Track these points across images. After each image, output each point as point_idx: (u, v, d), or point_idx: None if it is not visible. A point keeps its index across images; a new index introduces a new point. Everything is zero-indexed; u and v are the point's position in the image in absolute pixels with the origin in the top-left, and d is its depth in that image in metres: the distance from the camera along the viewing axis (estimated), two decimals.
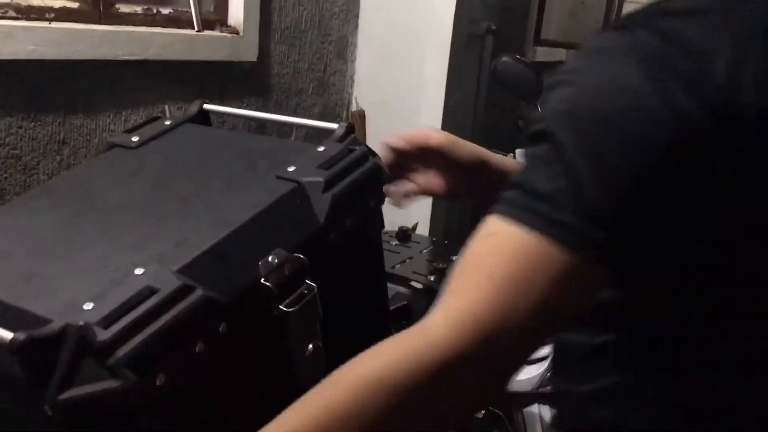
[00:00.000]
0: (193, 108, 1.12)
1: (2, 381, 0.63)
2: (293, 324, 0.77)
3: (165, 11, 2.02)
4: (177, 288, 0.65)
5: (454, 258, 1.54)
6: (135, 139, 1.02)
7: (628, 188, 0.61)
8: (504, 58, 2.00)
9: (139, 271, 0.68)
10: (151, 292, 0.65)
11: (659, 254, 0.64)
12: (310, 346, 0.80)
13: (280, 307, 0.76)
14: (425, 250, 1.60)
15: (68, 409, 0.61)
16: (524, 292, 0.61)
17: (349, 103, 2.75)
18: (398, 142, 1.05)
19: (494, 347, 0.61)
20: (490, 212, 0.66)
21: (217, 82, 2.17)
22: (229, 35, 2.17)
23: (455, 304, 0.63)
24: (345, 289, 0.81)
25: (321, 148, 0.92)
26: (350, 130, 0.96)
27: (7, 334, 0.60)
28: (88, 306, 0.64)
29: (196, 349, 0.67)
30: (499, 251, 0.63)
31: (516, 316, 0.61)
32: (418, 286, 1.41)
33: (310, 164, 0.87)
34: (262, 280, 0.74)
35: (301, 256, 0.78)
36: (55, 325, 0.62)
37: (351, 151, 0.91)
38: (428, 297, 1.40)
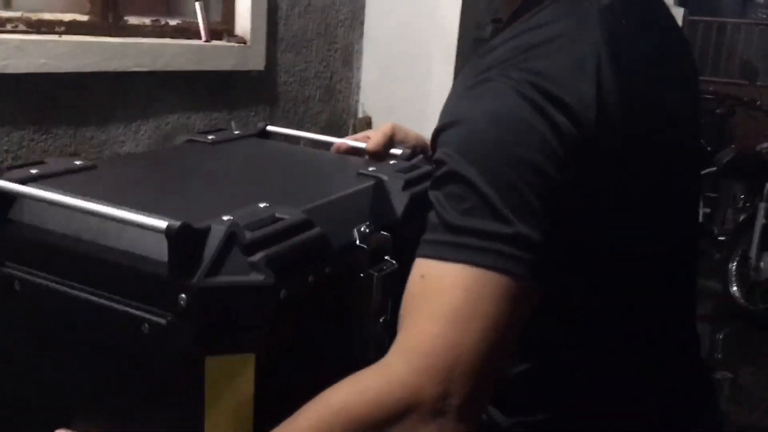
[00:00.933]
0: (259, 126, 1.22)
1: (141, 272, 0.68)
2: (376, 290, 0.81)
3: (173, 22, 2.03)
4: (301, 219, 0.73)
5: None
6: (211, 137, 1.10)
7: (536, 205, 0.66)
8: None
9: (263, 204, 0.74)
10: (278, 219, 0.72)
11: (569, 252, 0.70)
12: (381, 319, 0.84)
13: (370, 271, 0.81)
14: None
15: (209, 296, 0.65)
16: (471, 320, 0.64)
17: (356, 110, 2.76)
18: (377, 143, 1.11)
19: (451, 379, 0.63)
20: (417, 255, 0.69)
21: (226, 92, 2.18)
22: (236, 45, 2.18)
23: (410, 342, 0.65)
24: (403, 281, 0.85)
25: (392, 162, 1.01)
26: (415, 153, 1.07)
27: (162, 222, 0.65)
28: (227, 217, 0.69)
29: (309, 279, 0.72)
30: (436, 290, 0.65)
31: (468, 344, 0.63)
32: None
33: (388, 168, 0.95)
34: (358, 242, 0.81)
35: (387, 234, 0.85)
36: (205, 223, 0.67)
37: (419, 167, 0.98)
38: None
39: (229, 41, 2.18)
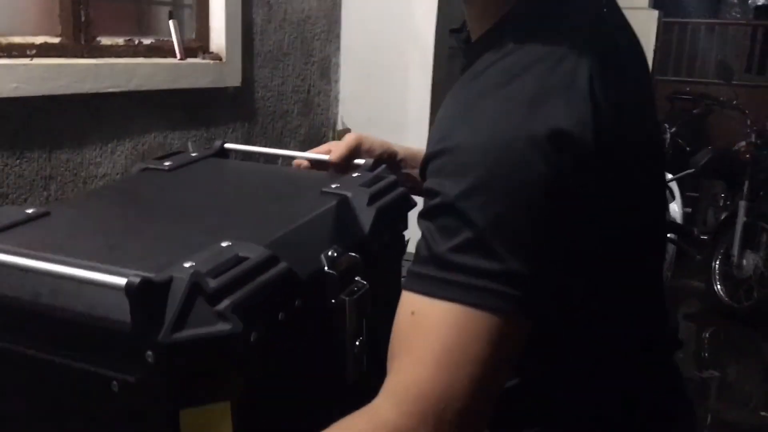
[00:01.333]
0: (216, 145, 1.18)
1: (104, 331, 0.66)
2: (349, 313, 0.81)
3: (147, 41, 2.02)
4: (266, 257, 0.71)
5: None
6: (167, 164, 1.05)
7: (529, 237, 0.64)
8: None
9: (225, 243, 0.72)
10: (241, 259, 0.70)
11: (560, 285, 0.69)
12: (358, 342, 0.83)
13: (341, 296, 0.80)
14: None
15: (177, 351, 0.63)
16: (462, 362, 0.63)
17: (335, 122, 2.76)
18: (340, 155, 1.08)
19: (443, 423, 0.62)
20: (405, 288, 0.67)
21: (203, 109, 2.17)
22: (212, 62, 2.17)
23: (400, 385, 0.64)
24: (376, 298, 0.84)
25: (355, 174, 0.98)
26: (378, 163, 1.04)
27: (121, 280, 0.63)
28: (188, 264, 0.67)
29: (279, 317, 0.71)
30: (426, 328, 0.64)
31: (459, 386, 0.63)
32: None
33: (351, 183, 0.93)
34: (326, 269, 0.79)
35: (355, 255, 0.83)
36: (166, 274, 0.65)
37: (383, 178, 0.97)
38: None
39: (204, 58, 2.17)
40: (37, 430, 0.74)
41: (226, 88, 2.22)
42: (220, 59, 2.19)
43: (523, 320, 0.65)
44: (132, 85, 1.88)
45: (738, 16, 10.54)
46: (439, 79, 2.59)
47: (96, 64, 1.80)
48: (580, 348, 0.79)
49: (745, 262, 4.29)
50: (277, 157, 1.23)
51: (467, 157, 0.66)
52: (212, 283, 0.65)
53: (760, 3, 10.88)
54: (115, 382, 0.66)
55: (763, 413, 3.24)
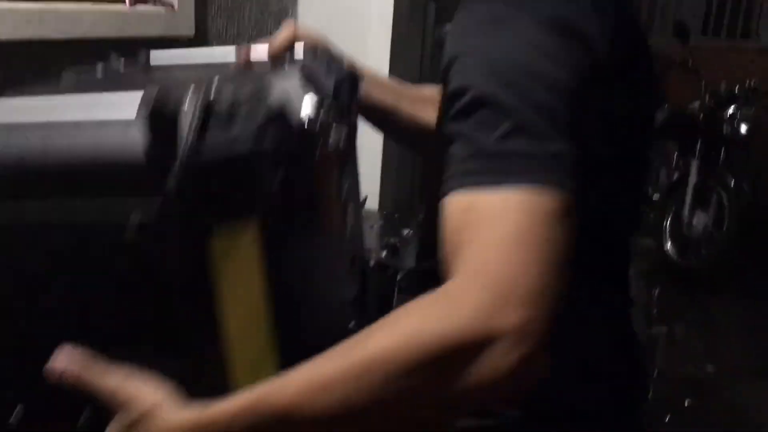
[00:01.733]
0: (141, 57, 1.13)
1: (112, 171, 0.62)
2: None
3: None
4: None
5: (405, 232, 1.53)
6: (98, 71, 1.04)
7: (571, 122, 0.66)
8: (447, 27, 1.98)
9: (222, 77, 0.70)
10: (248, 84, 0.70)
11: (593, 167, 0.70)
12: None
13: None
14: (375, 225, 1.59)
15: (197, 176, 0.61)
16: (534, 242, 0.61)
17: None
18: (278, 47, 0.97)
19: (531, 307, 0.59)
20: (450, 190, 0.66)
21: None
22: (163, 9, 2.09)
23: (479, 270, 0.60)
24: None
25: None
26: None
27: (128, 111, 0.62)
28: (195, 89, 0.65)
29: (292, 135, 0.71)
30: (489, 218, 0.62)
31: (540, 269, 0.60)
32: (370, 263, 1.40)
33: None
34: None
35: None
36: (177, 96, 0.64)
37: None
38: (381, 273, 1.39)
39: (155, 6, 2.09)
40: (57, 303, 0.69)
41: (178, 38, 2.14)
42: (172, 7, 2.11)
43: (576, 199, 0.65)
44: (78, 32, 1.80)
45: None
46: (398, 35, 2.55)
47: (40, 9, 1.71)
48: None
49: (695, 221, 4.40)
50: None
51: (497, 52, 0.68)
52: (224, 102, 0.64)
53: None
54: (134, 221, 0.62)
55: (708, 368, 3.36)
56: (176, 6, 2.12)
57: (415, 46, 2.78)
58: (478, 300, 0.58)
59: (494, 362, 0.58)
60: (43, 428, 0.72)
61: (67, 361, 0.67)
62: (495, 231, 0.61)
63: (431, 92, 1.12)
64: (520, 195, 0.62)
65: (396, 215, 1.78)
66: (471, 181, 0.64)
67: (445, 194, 0.66)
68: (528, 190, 0.62)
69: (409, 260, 1.46)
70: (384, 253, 1.41)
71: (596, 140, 0.71)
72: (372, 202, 2.64)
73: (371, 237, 1.51)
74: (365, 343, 0.61)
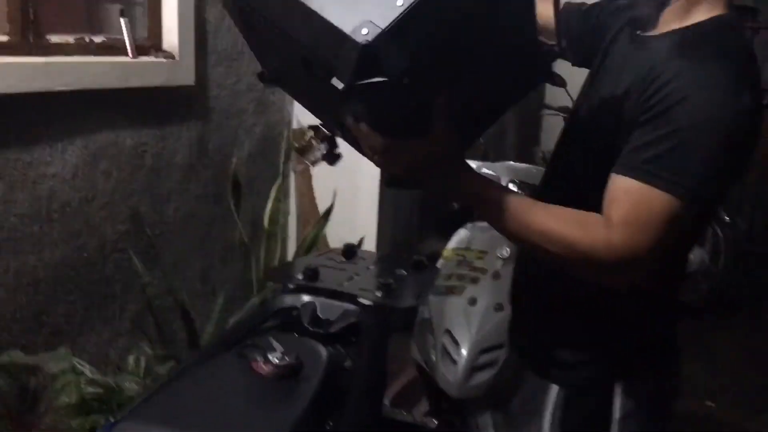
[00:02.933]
0: None
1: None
2: None
3: (98, 39, 2.00)
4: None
5: (399, 272, 1.57)
6: None
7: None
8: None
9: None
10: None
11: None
12: None
13: None
14: (372, 266, 1.62)
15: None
16: (663, 233, 1.02)
17: (290, 121, 2.76)
18: None
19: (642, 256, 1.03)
20: (629, 172, 1.04)
21: (156, 108, 2.16)
22: (165, 60, 2.16)
23: (631, 228, 1.02)
24: None
25: None
26: None
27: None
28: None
29: None
30: (647, 205, 1.02)
31: (655, 243, 1.02)
32: (367, 302, 1.43)
33: None
34: None
35: None
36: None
37: None
38: (377, 313, 1.42)
39: (157, 57, 2.16)
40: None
41: (179, 87, 2.21)
42: (173, 57, 2.19)
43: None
44: (83, 84, 1.87)
45: None
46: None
47: (46, 63, 1.78)
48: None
49: (692, 256, 4.42)
50: None
51: (704, 107, 1.02)
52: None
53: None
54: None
55: (708, 403, 3.35)
56: (177, 56, 2.19)
57: None
58: (620, 242, 1.02)
59: (613, 261, 1.03)
60: None
61: None
62: (649, 213, 1.02)
63: None
64: (668, 199, 1.01)
65: (391, 256, 1.82)
66: (649, 176, 1.02)
67: (621, 171, 1.04)
68: (673, 198, 1.01)
69: (404, 300, 1.49)
70: (379, 293, 1.44)
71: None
72: (369, 243, 2.68)
73: (367, 277, 1.55)
74: (563, 221, 1.06)
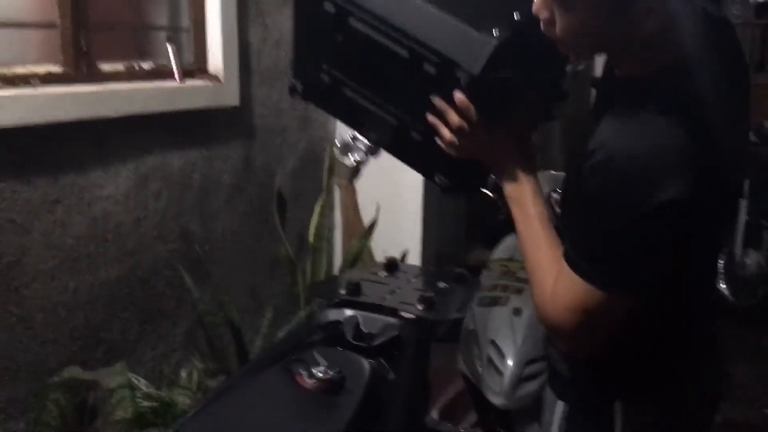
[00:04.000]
0: None
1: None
2: None
3: (146, 66, 2.08)
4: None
5: (441, 285, 1.59)
6: None
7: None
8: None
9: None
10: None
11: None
12: None
13: None
14: (413, 279, 1.65)
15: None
16: (602, 320, 1.01)
17: (334, 136, 2.81)
18: None
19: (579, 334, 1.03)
20: (570, 263, 1.01)
21: (202, 129, 2.23)
22: (210, 83, 2.23)
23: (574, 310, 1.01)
24: None
25: None
26: None
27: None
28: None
29: None
30: (589, 301, 0.99)
31: (596, 329, 1.02)
32: (409, 316, 1.45)
33: None
34: None
35: None
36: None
37: None
38: (418, 327, 1.44)
39: (202, 80, 2.23)
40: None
41: (224, 108, 2.28)
42: (218, 80, 2.26)
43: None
44: (133, 109, 1.95)
45: (739, 13, 10.55)
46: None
47: (97, 91, 1.86)
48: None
49: (748, 260, 4.31)
50: None
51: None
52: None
53: (761, 0, 10.89)
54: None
55: (766, 410, 3.26)
56: (222, 78, 2.26)
57: None
58: (552, 315, 1.04)
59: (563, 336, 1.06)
60: None
61: None
62: (572, 299, 1.00)
63: None
64: (592, 291, 0.98)
65: (433, 269, 1.84)
66: (585, 274, 0.98)
67: (565, 256, 1.01)
68: (610, 294, 0.97)
69: (445, 312, 1.51)
70: (421, 307, 1.46)
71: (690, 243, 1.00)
72: (414, 255, 2.70)
73: (408, 291, 1.57)
74: (544, 258, 1.08)
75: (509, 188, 1.15)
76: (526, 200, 1.14)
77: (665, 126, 0.93)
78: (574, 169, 1.07)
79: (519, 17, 1.10)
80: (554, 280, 1.03)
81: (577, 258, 0.99)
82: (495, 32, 1.07)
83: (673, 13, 0.97)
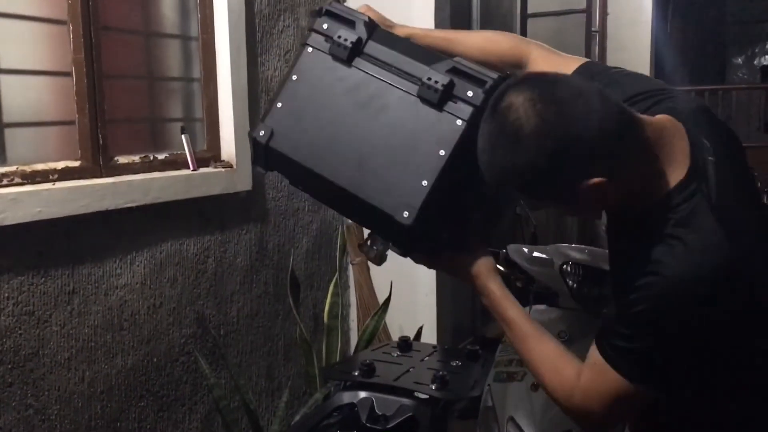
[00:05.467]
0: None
1: None
2: None
3: (161, 156, 2.15)
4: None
5: (454, 363, 1.58)
6: None
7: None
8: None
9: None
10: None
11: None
12: None
13: None
14: (427, 358, 1.64)
15: None
16: (619, 407, 1.09)
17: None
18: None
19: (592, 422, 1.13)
20: (600, 349, 1.09)
21: (217, 214, 2.28)
22: (223, 170, 2.29)
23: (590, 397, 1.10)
24: None
25: None
26: None
27: None
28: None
29: None
30: (609, 384, 1.07)
31: (610, 415, 1.11)
32: (422, 396, 1.44)
33: None
34: None
35: None
36: None
37: None
38: (432, 406, 1.43)
39: (216, 167, 2.30)
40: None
41: (237, 193, 2.33)
42: (231, 166, 2.32)
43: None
44: (148, 199, 2.00)
45: (745, 77, 10.70)
46: None
47: (114, 183, 1.92)
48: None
49: None
50: None
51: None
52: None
53: (766, 63, 11.04)
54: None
55: None
56: (235, 165, 2.33)
57: None
58: (580, 403, 1.11)
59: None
60: None
61: None
62: (607, 389, 1.08)
63: (482, 37, 1.42)
64: (626, 383, 1.05)
65: (446, 347, 1.83)
66: (612, 360, 1.06)
67: (598, 339, 1.09)
68: (629, 382, 1.05)
69: (459, 391, 1.50)
70: (434, 386, 1.45)
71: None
72: (429, 331, 2.69)
73: (422, 370, 1.56)
74: (543, 360, 1.17)
75: (482, 298, 1.27)
76: (498, 306, 1.23)
77: (708, 245, 0.99)
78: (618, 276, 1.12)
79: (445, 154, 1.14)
80: (582, 369, 1.11)
81: (615, 357, 1.06)
82: (424, 183, 1.13)
83: (641, 148, 1.02)
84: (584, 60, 1.28)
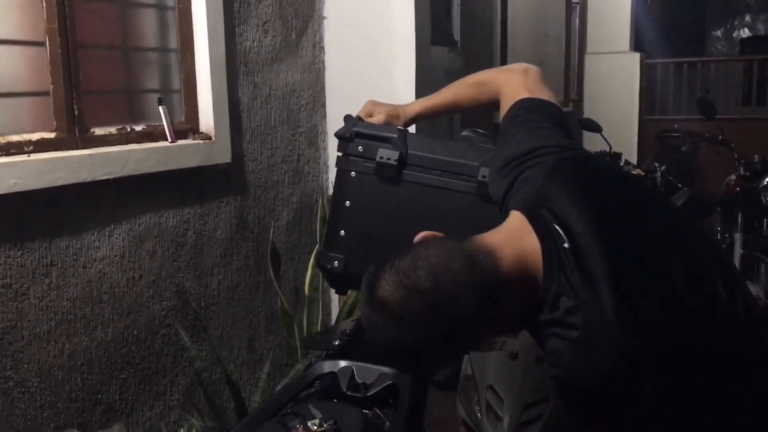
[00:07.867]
0: None
1: None
2: None
3: (138, 128, 2.12)
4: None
5: None
6: None
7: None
8: (465, 133, 2.11)
9: None
10: None
11: None
12: None
13: None
14: None
15: None
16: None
17: (326, 188, 2.85)
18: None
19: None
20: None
21: (196, 187, 2.27)
22: (201, 141, 2.27)
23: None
24: None
25: None
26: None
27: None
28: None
29: None
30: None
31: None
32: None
33: None
34: None
35: None
36: None
37: None
38: (412, 374, 1.45)
39: (194, 139, 2.27)
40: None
41: (216, 165, 2.32)
42: (210, 138, 2.30)
43: None
44: (126, 171, 1.98)
45: (724, 49, 10.76)
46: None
47: (90, 154, 1.90)
48: None
49: None
50: None
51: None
52: None
53: (744, 36, 11.11)
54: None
55: None
56: (214, 136, 2.30)
57: None
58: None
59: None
60: None
61: None
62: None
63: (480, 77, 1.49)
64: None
65: None
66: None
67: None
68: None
69: None
70: None
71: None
72: None
73: None
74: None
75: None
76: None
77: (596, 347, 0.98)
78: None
79: None
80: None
81: None
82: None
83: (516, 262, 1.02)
84: (523, 99, 1.29)
